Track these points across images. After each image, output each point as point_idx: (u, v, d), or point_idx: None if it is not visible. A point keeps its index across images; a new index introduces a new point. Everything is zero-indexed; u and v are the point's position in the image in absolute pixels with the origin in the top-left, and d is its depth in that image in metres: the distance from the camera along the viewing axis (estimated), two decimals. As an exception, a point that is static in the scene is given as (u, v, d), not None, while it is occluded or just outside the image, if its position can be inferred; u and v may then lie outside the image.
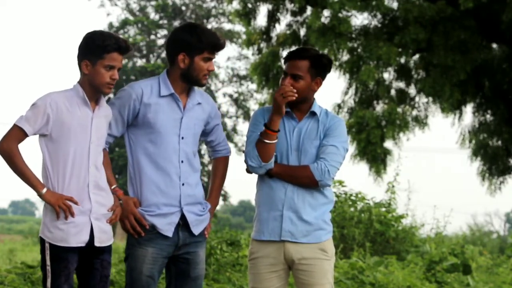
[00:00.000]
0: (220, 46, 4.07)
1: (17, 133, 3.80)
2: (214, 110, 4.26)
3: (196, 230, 4.10)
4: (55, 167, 3.83)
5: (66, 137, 3.83)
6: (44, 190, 3.79)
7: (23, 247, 23.78)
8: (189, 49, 4.05)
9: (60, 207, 3.78)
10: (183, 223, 4.07)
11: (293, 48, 15.54)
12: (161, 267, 4.08)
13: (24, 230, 39.84)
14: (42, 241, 3.86)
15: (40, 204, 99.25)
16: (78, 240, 3.83)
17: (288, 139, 4.17)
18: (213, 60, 4.10)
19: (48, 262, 3.81)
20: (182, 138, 4.08)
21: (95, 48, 3.84)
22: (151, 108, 4.05)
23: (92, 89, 3.89)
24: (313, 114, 4.20)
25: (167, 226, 4.03)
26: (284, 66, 4.23)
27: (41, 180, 3.85)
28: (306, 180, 4.12)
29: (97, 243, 3.87)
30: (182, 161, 4.08)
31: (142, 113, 4.05)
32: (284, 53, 15.71)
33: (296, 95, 4.07)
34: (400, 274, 9.33)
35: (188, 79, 4.09)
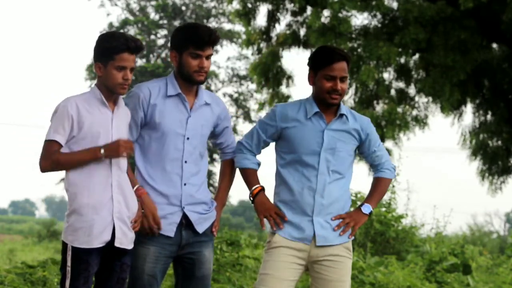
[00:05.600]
0: (204, 41, 3.99)
1: (52, 147, 3.82)
2: (224, 112, 4.24)
3: (200, 229, 4.09)
4: (78, 168, 3.84)
5: (89, 138, 3.85)
6: (102, 151, 3.81)
7: (23, 247, 23.75)
8: (177, 46, 4.05)
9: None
10: (186, 223, 4.06)
11: (293, 48, 15.62)
12: (164, 266, 4.07)
13: (24, 230, 39.83)
14: (64, 243, 3.86)
15: (40, 204, 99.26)
16: (100, 240, 3.83)
17: (318, 140, 4.13)
18: (208, 57, 4.04)
19: (68, 263, 3.80)
20: (188, 138, 4.07)
21: (105, 50, 3.86)
22: (157, 108, 4.05)
23: (108, 90, 3.91)
24: (341, 115, 4.18)
25: (168, 227, 4.03)
26: (317, 67, 4.14)
27: (64, 181, 3.88)
28: (388, 186, 4.38)
29: (117, 244, 3.86)
30: (185, 162, 4.07)
31: (150, 112, 4.05)
32: (284, 53, 15.75)
33: None
34: (400, 274, 9.33)
35: (183, 77, 4.07)
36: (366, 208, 4.23)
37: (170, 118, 4.05)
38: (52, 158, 3.81)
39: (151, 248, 4.01)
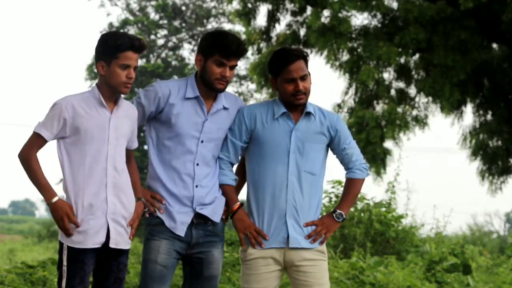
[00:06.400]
0: (231, 51, 4.03)
1: (36, 140, 3.83)
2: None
3: (217, 218, 4.13)
4: (72, 169, 3.85)
5: (83, 139, 3.85)
6: (55, 199, 3.80)
7: (23, 247, 23.79)
8: (204, 50, 4.08)
9: (58, 222, 3.80)
10: (197, 222, 4.09)
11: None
12: (175, 261, 4.10)
13: (24, 230, 39.89)
14: (60, 243, 3.88)
15: (40, 204, 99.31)
16: (95, 241, 3.84)
17: (286, 141, 4.14)
18: (232, 67, 4.07)
19: (64, 263, 3.82)
20: (202, 141, 4.10)
21: (109, 48, 3.85)
22: (174, 108, 4.07)
23: (110, 90, 3.91)
24: (308, 114, 4.18)
25: (180, 226, 4.07)
26: (275, 73, 4.15)
27: (62, 182, 3.88)
28: (361, 187, 4.27)
29: (112, 245, 3.87)
30: (197, 164, 4.10)
31: (166, 111, 4.09)
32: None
33: None
34: (400, 274, 9.32)
35: (204, 82, 4.10)
36: (339, 216, 4.22)
37: (186, 120, 4.08)
38: (28, 153, 3.82)
39: (163, 241, 4.06)
